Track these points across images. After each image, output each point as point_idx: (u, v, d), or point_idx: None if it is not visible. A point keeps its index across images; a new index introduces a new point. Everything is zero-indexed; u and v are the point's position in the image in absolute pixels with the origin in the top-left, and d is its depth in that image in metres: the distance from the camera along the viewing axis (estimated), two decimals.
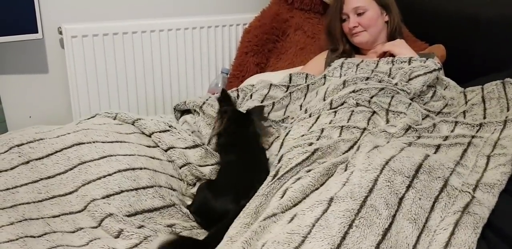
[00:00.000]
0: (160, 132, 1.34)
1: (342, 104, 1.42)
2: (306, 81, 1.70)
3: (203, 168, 1.30)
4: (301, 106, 1.57)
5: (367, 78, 1.51)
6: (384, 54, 1.69)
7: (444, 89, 1.58)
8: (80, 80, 1.85)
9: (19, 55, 1.79)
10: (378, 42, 1.78)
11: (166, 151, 1.32)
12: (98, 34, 1.84)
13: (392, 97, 1.42)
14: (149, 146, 1.32)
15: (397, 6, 1.79)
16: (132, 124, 1.38)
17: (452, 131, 1.30)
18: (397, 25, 1.79)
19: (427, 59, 1.58)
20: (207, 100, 1.54)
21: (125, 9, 1.96)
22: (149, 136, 1.35)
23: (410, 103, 1.40)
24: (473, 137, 1.21)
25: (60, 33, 1.81)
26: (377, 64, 1.63)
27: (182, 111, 1.63)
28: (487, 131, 1.27)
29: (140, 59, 1.96)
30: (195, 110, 1.55)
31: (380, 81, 1.50)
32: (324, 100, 1.47)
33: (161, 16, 2.04)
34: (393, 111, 1.36)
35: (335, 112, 1.38)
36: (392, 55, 1.66)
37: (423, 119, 1.38)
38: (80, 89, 1.85)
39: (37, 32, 1.70)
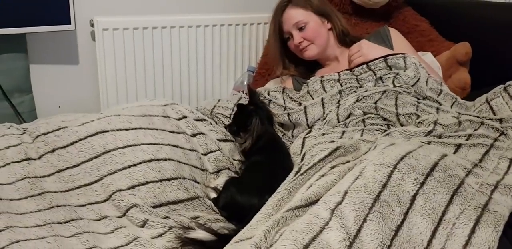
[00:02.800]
0: (195, 120, 1.37)
1: (349, 116, 1.41)
2: (282, 96, 1.66)
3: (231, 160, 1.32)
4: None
5: (360, 86, 1.50)
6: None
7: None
8: (109, 72, 1.87)
9: (51, 46, 1.82)
10: (329, 50, 1.74)
11: (193, 136, 1.32)
12: (128, 27, 1.87)
13: (396, 98, 1.40)
14: (172, 132, 1.31)
15: (335, 10, 1.78)
16: (164, 106, 1.38)
17: (476, 129, 1.26)
18: (343, 28, 1.75)
19: (402, 55, 1.55)
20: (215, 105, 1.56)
21: (156, 4, 1.98)
22: (178, 120, 1.36)
23: (417, 104, 1.38)
24: (496, 139, 1.19)
25: (92, 25, 1.84)
26: (354, 73, 1.59)
27: None
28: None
29: (168, 54, 1.98)
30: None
31: (374, 85, 1.48)
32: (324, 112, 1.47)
33: (190, 12, 2.06)
34: (403, 114, 1.35)
35: (345, 124, 1.39)
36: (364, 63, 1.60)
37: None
38: (108, 80, 1.88)
39: (69, 23, 1.72)
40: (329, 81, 1.59)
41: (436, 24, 1.98)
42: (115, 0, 1.89)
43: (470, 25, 1.89)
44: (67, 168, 1.17)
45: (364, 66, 1.58)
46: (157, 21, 1.93)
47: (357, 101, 1.43)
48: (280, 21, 1.73)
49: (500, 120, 1.32)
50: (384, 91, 1.42)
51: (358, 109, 1.40)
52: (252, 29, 2.19)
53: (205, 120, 1.39)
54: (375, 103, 1.40)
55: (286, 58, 1.80)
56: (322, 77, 1.62)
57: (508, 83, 1.44)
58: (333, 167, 1.08)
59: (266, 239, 0.88)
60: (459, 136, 1.20)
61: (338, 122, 1.41)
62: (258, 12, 2.19)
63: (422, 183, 0.91)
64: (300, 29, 1.69)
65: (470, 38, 1.80)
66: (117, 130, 1.23)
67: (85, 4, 1.82)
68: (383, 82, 1.51)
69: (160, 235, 1.04)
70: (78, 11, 1.78)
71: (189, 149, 1.29)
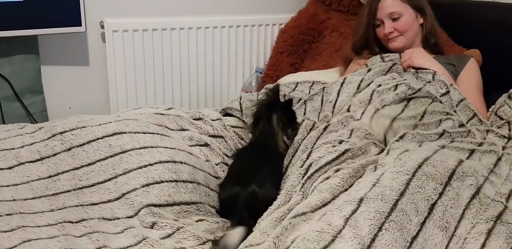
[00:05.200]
0: (209, 136, 1.40)
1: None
2: (309, 91, 1.67)
3: None
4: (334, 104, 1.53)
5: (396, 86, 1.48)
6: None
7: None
8: (119, 73, 1.89)
9: (62, 47, 1.84)
10: (414, 46, 1.75)
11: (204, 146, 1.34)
12: (138, 29, 1.88)
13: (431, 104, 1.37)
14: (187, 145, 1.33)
15: (430, 8, 1.76)
16: (179, 117, 1.40)
17: (484, 138, 1.27)
18: (432, 27, 1.74)
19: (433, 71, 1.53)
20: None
21: (165, 6, 2.00)
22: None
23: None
24: (503, 147, 1.19)
25: (102, 27, 1.86)
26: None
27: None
28: None
29: (177, 56, 1.99)
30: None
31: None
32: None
33: (199, 14, 2.07)
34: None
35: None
36: (413, 67, 1.59)
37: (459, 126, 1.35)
38: (119, 82, 1.89)
39: (80, 25, 1.75)
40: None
41: (446, 26, 1.97)
42: (125, 2, 1.91)
43: (479, 28, 1.86)
44: (82, 166, 1.18)
45: (413, 71, 1.56)
46: (166, 22, 1.95)
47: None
48: (376, 8, 1.72)
49: (508, 123, 1.32)
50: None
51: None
52: (261, 30, 2.20)
53: (221, 137, 1.41)
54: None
55: (368, 42, 1.79)
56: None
57: (511, 90, 1.43)
58: (337, 170, 1.08)
59: (275, 244, 0.89)
60: (471, 142, 1.19)
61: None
62: (266, 14, 2.20)
63: (441, 194, 0.90)
64: (394, 19, 1.69)
65: (480, 42, 1.79)
66: (135, 132, 1.24)
67: (96, 6, 1.84)
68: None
69: (169, 235, 1.04)
70: (89, 13, 1.80)
71: (204, 160, 1.31)
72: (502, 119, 1.41)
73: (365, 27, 1.75)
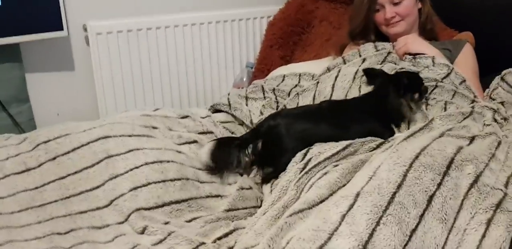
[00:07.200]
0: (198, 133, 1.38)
1: None
2: (299, 81, 1.66)
3: None
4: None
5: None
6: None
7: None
8: (106, 76, 1.86)
9: (45, 53, 1.81)
10: (412, 31, 1.72)
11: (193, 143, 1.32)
12: (122, 30, 1.85)
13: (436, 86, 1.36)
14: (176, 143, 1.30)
15: None
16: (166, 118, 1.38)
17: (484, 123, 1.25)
18: (429, 13, 1.72)
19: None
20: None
21: (149, 4, 1.96)
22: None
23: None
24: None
25: (85, 30, 1.82)
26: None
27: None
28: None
29: (164, 55, 1.96)
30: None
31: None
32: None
33: (184, 11, 2.04)
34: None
35: None
36: (409, 54, 1.57)
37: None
38: (106, 85, 1.86)
39: (62, 29, 1.72)
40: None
41: (437, 9, 1.93)
42: (107, 3, 1.87)
43: (470, 9, 1.84)
44: (68, 175, 1.16)
45: (410, 57, 1.54)
46: (151, 22, 1.91)
47: None
48: None
49: (502, 104, 1.30)
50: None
51: None
52: (249, 24, 2.17)
53: (211, 132, 1.39)
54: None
55: (366, 28, 1.76)
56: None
57: (503, 72, 1.41)
58: (337, 165, 1.06)
59: (270, 247, 0.86)
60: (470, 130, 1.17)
61: None
62: (253, 7, 2.17)
63: (440, 184, 0.88)
64: (395, 4, 1.66)
65: (472, 25, 1.76)
66: (120, 136, 1.22)
67: (77, 9, 1.81)
68: None
69: (160, 241, 1.02)
70: (71, 16, 1.77)
71: (193, 156, 1.28)
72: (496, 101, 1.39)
73: (365, 12, 1.71)
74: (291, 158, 1.17)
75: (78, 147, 1.19)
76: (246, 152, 1.23)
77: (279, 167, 1.18)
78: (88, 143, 1.20)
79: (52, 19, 1.69)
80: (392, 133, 1.26)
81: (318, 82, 1.53)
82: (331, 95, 1.46)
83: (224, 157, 1.22)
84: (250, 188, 1.22)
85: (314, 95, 1.50)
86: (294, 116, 1.25)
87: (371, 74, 1.39)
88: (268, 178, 1.21)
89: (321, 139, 1.19)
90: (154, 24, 1.91)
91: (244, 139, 1.26)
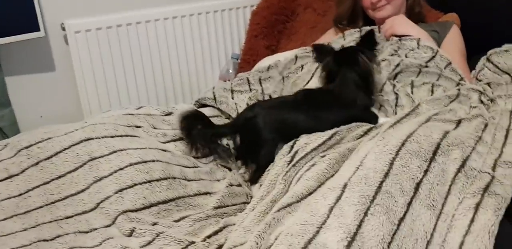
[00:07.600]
0: None
1: None
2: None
3: None
4: None
5: None
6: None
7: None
8: (88, 75, 1.82)
9: (24, 55, 1.77)
10: (399, 14, 1.69)
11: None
12: (101, 27, 1.81)
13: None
14: (160, 141, 1.28)
15: None
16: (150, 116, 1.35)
17: (471, 106, 1.24)
18: None
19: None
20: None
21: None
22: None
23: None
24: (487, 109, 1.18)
25: (63, 29, 1.78)
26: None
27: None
28: (499, 104, 1.22)
29: (146, 50, 1.93)
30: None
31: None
32: None
33: (164, 4, 1.99)
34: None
35: None
36: (395, 35, 1.55)
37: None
38: (88, 84, 1.83)
39: (39, 30, 1.69)
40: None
41: None
42: (84, 0, 1.83)
43: None
44: (52, 179, 1.14)
45: (395, 40, 1.52)
46: (131, 17, 1.88)
47: None
48: None
49: (489, 85, 1.28)
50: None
51: None
52: (232, 14, 2.14)
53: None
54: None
55: (354, 13, 1.74)
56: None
57: (489, 52, 1.40)
58: (324, 156, 1.04)
59: (257, 244, 0.85)
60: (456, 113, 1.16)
61: None
62: None
63: (426, 171, 0.87)
64: None
65: (456, 5, 1.74)
66: (102, 137, 1.20)
67: (53, 8, 1.77)
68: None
69: (149, 243, 1.01)
70: (47, 16, 1.74)
71: (179, 154, 1.26)
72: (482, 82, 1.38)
73: None
74: (271, 150, 1.16)
75: (61, 151, 1.17)
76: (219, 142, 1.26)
77: (260, 160, 1.17)
78: (71, 146, 1.17)
79: (27, 20, 1.65)
80: (376, 117, 1.25)
81: (302, 67, 1.53)
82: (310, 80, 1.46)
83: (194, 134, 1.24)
84: (240, 185, 1.21)
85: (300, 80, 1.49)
86: (270, 107, 1.23)
87: (320, 51, 1.35)
88: (254, 178, 1.19)
89: (301, 129, 1.17)
90: (134, 19, 1.87)
91: (218, 133, 1.26)
